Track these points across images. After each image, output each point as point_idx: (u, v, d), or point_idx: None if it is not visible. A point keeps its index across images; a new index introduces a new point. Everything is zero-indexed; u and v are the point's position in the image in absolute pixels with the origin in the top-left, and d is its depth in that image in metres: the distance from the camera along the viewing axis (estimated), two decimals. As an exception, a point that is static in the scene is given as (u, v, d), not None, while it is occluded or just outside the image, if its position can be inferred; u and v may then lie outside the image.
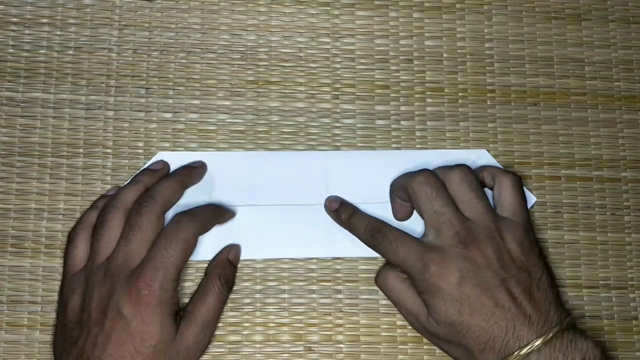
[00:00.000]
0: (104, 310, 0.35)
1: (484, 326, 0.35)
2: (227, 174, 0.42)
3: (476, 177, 0.39)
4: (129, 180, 0.41)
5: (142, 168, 0.41)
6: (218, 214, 0.40)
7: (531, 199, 0.42)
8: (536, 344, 0.34)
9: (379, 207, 0.41)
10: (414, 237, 0.38)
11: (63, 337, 0.37)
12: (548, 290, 0.37)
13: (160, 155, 0.42)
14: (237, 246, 0.41)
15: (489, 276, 0.36)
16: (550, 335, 0.35)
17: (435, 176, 0.39)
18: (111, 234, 0.37)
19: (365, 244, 0.40)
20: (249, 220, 0.41)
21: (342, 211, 0.41)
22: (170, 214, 0.39)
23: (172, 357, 0.36)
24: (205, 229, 0.39)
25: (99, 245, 0.37)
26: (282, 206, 0.41)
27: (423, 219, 0.38)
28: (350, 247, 0.41)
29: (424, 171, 0.39)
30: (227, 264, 0.40)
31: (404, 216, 0.41)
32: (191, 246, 0.37)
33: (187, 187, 0.40)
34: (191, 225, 0.37)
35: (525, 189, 0.41)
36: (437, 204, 0.37)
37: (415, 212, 0.41)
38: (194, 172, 0.41)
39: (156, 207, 0.37)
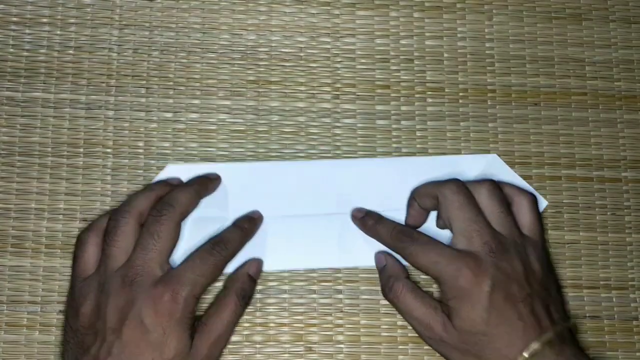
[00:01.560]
0: (122, 318, 0.35)
1: (507, 339, 0.35)
2: (236, 186, 0.41)
3: (503, 193, 0.39)
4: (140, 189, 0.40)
5: (154, 181, 0.41)
6: (247, 237, 0.40)
7: (542, 203, 0.42)
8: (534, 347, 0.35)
9: (389, 214, 0.41)
10: (443, 243, 0.38)
11: (75, 342, 0.36)
12: (560, 308, 0.38)
13: (170, 168, 0.41)
14: (259, 261, 0.40)
15: (516, 289, 0.36)
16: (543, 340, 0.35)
17: (467, 187, 0.39)
18: (125, 241, 0.37)
19: (391, 247, 0.39)
20: (261, 232, 0.41)
21: (367, 218, 0.41)
22: (187, 222, 0.39)
23: None
24: (235, 255, 0.39)
25: (111, 251, 0.36)
26: (292, 217, 0.41)
27: (452, 227, 0.38)
28: (364, 255, 0.41)
29: (455, 180, 0.39)
30: (247, 279, 0.39)
31: (417, 223, 0.41)
32: (219, 272, 0.37)
33: (202, 197, 0.40)
34: (224, 255, 0.37)
35: (536, 192, 0.42)
36: (470, 213, 0.37)
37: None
38: (209, 183, 0.41)
39: (175, 215, 0.37)
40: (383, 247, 0.41)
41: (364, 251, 0.41)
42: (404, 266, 0.40)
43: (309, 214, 0.41)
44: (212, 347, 0.36)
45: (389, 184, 0.42)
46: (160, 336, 0.34)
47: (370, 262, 0.41)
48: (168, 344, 0.34)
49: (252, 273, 0.40)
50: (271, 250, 0.41)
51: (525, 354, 0.35)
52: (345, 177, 0.42)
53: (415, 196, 0.41)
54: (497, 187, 0.39)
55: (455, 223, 0.38)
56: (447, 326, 0.37)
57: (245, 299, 0.38)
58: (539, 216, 0.39)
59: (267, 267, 0.41)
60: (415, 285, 0.39)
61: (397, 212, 0.41)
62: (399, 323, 0.41)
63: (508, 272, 0.36)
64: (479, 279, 0.36)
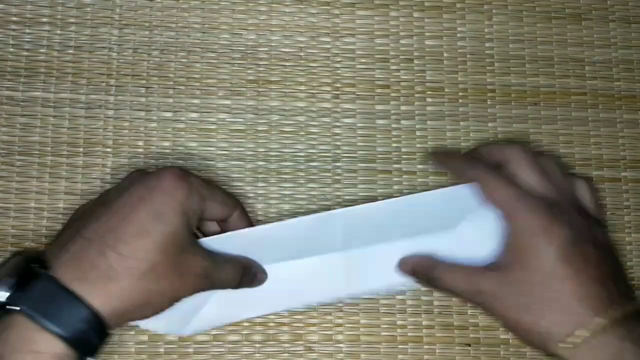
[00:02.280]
0: (130, 183, 0.34)
1: (571, 300, 0.31)
2: (239, 247, 0.37)
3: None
4: None
5: None
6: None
7: None
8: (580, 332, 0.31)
9: (395, 246, 0.38)
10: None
11: (82, 214, 0.35)
12: (626, 285, 0.35)
13: None
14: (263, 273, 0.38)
15: (591, 249, 0.33)
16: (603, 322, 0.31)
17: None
18: None
19: (469, 176, 0.37)
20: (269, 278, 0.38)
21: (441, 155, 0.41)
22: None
23: (179, 264, 0.32)
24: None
25: None
26: (298, 259, 0.38)
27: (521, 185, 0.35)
28: (370, 283, 0.39)
29: (520, 144, 0.37)
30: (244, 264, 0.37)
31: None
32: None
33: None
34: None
35: None
36: (539, 170, 0.35)
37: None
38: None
39: None
40: (387, 277, 0.38)
41: (371, 278, 0.38)
42: (428, 256, 0.37)
43: (314, 254, 0.38)
44: (205, 264, 0.34)
45: (392, 219, 0.38)
46: (171, 193, 0.32)
47: (377, 286, 0.39)
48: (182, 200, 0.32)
49: (257, 275, 0.38)
50: (278, 294, 0.38)
51: (602, 319, 0.31)
52: (347, 223, 0.38)
53: (477, 157, 0.39)
54: (559, 160, 0.37)
55: (525, 179, 0.35)
56: (501, 280, 0.33)
57: (246, 279, 0.37)
58: (599, 198, 0.37)
59: (276, 309, 0.39)
60: (450, 264, 0.36)
61: (404, 241, 0.38)
62: (399, 322, 0.41)
63: (581, 230, 0.33)
64: (554, 223, 0.32)
